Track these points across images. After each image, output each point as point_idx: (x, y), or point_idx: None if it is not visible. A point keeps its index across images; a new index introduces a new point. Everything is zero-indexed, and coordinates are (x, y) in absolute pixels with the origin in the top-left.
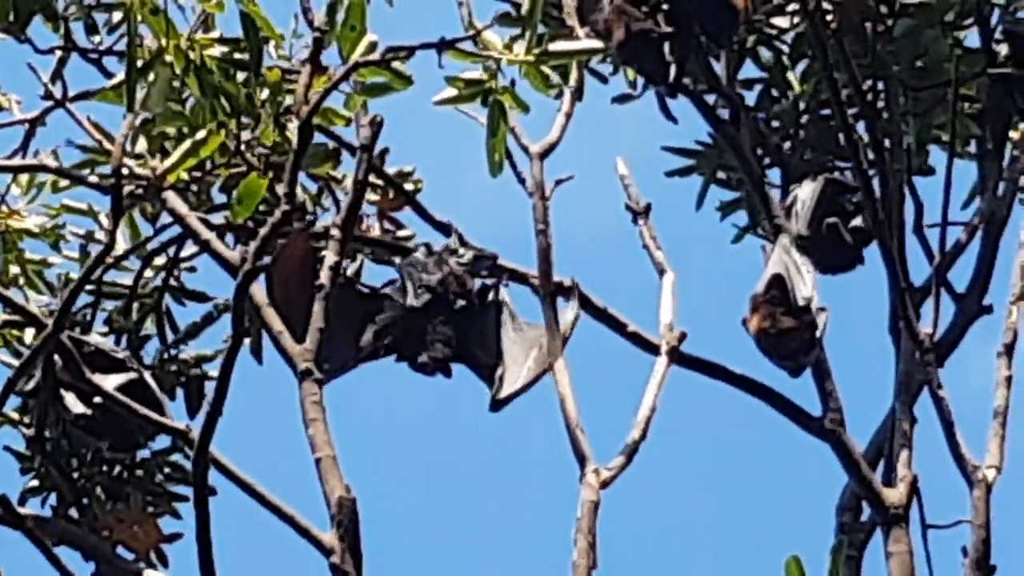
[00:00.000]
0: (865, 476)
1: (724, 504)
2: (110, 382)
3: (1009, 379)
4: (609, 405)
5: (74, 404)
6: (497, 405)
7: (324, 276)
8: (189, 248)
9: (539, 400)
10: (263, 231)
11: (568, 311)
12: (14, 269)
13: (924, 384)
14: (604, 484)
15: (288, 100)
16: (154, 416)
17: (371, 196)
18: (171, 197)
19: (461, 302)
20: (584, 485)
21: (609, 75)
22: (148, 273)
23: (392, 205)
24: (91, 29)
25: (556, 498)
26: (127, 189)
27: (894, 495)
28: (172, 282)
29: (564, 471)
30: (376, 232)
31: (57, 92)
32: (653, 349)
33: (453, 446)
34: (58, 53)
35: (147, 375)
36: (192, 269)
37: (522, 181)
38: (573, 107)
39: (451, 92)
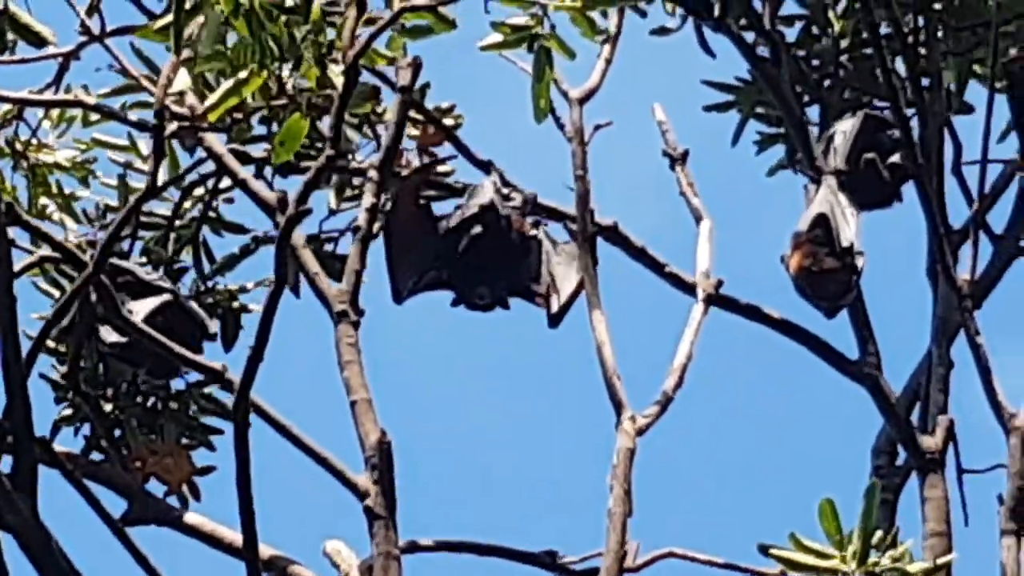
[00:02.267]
0: (901, 420)
1: (759, 448)
2: (144, 306)
3: None
4: (646, 350)
5: (108, 334)
6: (554, 320)
7: (362, 218)
8: (228, 180)
9: (576, 347)
10: (307, 176)
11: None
12: (43, 200)
13: (961, 328)
14: (640, 431)
15: (329, 38)
16: (190, 356)
17: (411, 131)
18: (208, 136)
19: (517, 239)
20: (620, 432)
21: (646, 3)
22: (186, 204)
23: (432, 140)
24: None
25: (592, 445)
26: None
27: (930, 440)
28: (210, 213)
29: (600, 418)
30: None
31: (94, 27)
32: (690, 290)
33: (489, 393)
34: None
35: (182, 296)
36: (230, 200)
37: (561, 127)
38: (613, 53)
39: (497, 38)
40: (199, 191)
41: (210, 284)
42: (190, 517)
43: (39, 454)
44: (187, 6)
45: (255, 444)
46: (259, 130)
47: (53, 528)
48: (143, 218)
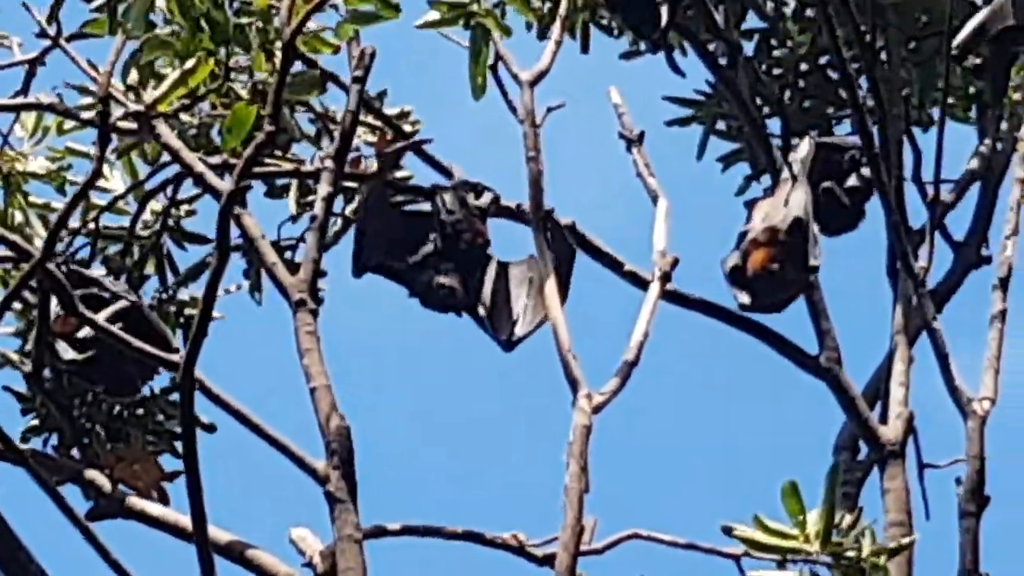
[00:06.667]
0: (861, 414)
1: (720, 443)
2: (103, 314)
3: (1003, 312)
4: (603, 339)
5: (65, 351)
6: (511, 345)
7: (318, 208)
8: (188, 191)
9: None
10: (247, 153)
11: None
12: (19, 216)
13: (922, 329)
14: (596, 409)
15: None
16: (144, 346)
17: (369, 137)
18: (165, 132)
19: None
20: (576, 410)
21: (615, 36)
22: (147, 217)
23: (390, 146)
24: None
25: (548, 423)
26: (122, 123)
27: (890, 432)
28: (171, 223)
29: (556, 396)
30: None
31: (53, 31)
32: (647, 286)
33: (445, 373)
34: None
35: (146, 306)
36: (192, 213)
37: (513, 109)
38: (563, 34)
39: (434, 15)
40: (160, 205)
41: (172, 294)
42: (155, 509)
43: (1, 451)
44: None
45: (215, 435)
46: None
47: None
48: (103, 231)
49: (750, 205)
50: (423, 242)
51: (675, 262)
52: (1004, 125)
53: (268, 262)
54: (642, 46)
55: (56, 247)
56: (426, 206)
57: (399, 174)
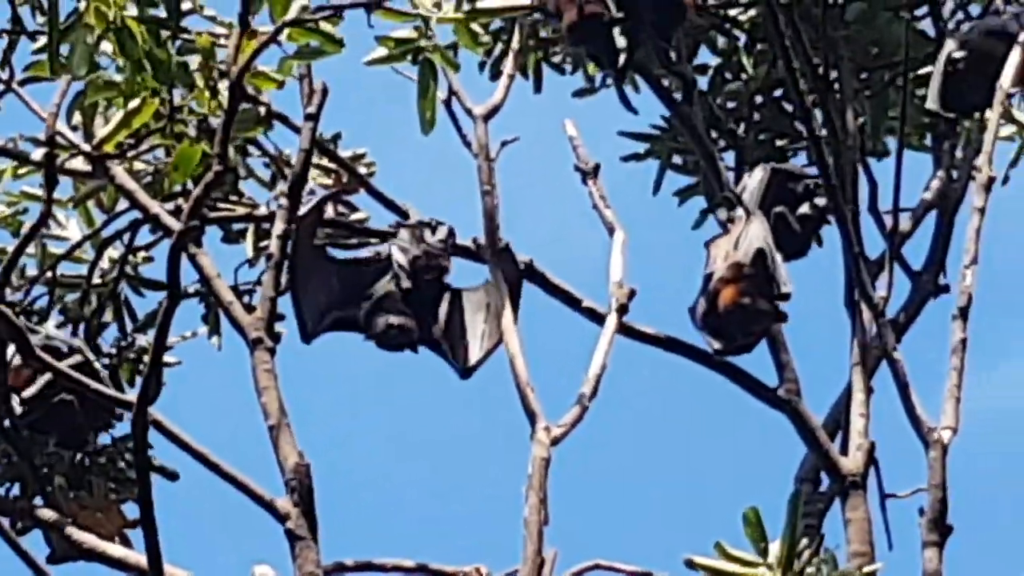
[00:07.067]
0: (822, 445)
1: (680, 475)
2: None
3: (964, 342)
4: (562, 373)
5: (17, 404)
6: (467, 373)
7: (274, 245)
8: (144, 238)
9: (489, 360)
10: (196, 192)
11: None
12: None
13: (881, 358)
14: (555, 441)
15: (221, 66)
16: (99, 387)
17: (324, 180)
18: (119, 174)
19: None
20: (535, 442)
21: (569, 73)
22: (104, 265)
23: (344, 188)
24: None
25: (507, 456)
26: (74, 165)
27: (851, 462)
28: (128, 271)
29: (515, 429)
30: (329, 215)
31: (6, 75)
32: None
33: (403, 408)
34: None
35: (96, 364)
36: (149, 259)
37: (467, 144)
38: (516, 68)
39: (381, 51)
40: (117, 252)
41: (131, 340)
42: (116, 551)
43: None
44: (61, 27)
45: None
46: None
47: None
48: (60, 279)
49: (708, 245)
50: (373, 286)
51: (632, 293)
52: (960, 153)
53: (224, 301)
54: (596, 82)
55: (10, 292)
56: (368, 252)
57: (354, 216)
